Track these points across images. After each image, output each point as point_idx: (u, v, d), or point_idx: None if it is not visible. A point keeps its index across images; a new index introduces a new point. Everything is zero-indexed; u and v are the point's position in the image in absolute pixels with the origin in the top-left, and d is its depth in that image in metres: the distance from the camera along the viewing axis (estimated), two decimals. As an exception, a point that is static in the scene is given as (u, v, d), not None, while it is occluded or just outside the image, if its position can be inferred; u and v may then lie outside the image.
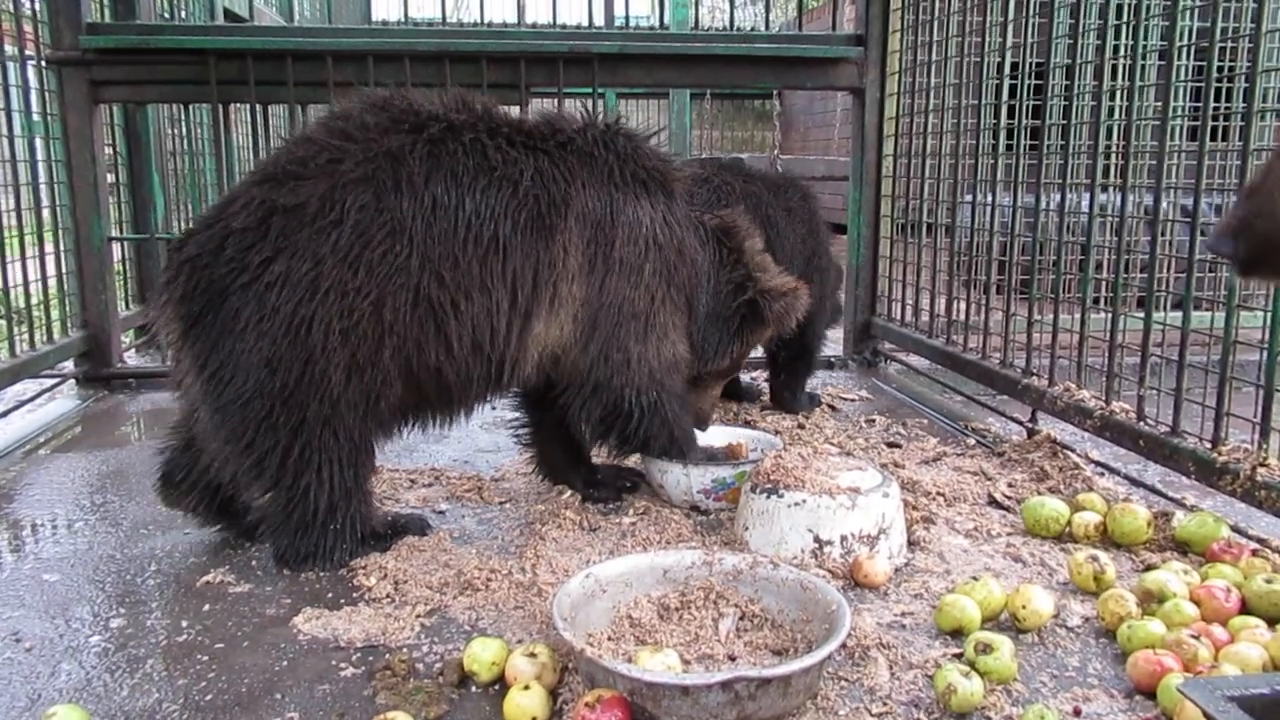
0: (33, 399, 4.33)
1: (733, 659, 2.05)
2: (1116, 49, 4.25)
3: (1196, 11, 3.30)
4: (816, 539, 2.51)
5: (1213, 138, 4.32)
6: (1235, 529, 2.64)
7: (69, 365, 4.59)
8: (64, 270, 4.48)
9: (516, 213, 2.53)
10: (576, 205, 2.63)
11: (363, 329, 2.41)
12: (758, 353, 3.74)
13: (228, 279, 2.38)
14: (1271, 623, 2.10)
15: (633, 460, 3.15)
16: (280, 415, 2.42)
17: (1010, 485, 3.10)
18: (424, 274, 2.43)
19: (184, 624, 2.28)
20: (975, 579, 2.29)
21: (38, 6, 4.30)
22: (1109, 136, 4.43)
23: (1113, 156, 4.55)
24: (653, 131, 2.94)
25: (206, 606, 2.38)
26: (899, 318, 4.87)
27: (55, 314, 4.44)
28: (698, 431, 3.12)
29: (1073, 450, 3.35)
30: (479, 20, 5.49)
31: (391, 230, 2.41)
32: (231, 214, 2.43)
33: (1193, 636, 1.98)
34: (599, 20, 5.53)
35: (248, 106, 4.52)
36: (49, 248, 4.37)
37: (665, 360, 2.81)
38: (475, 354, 2.54)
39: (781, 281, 3.09)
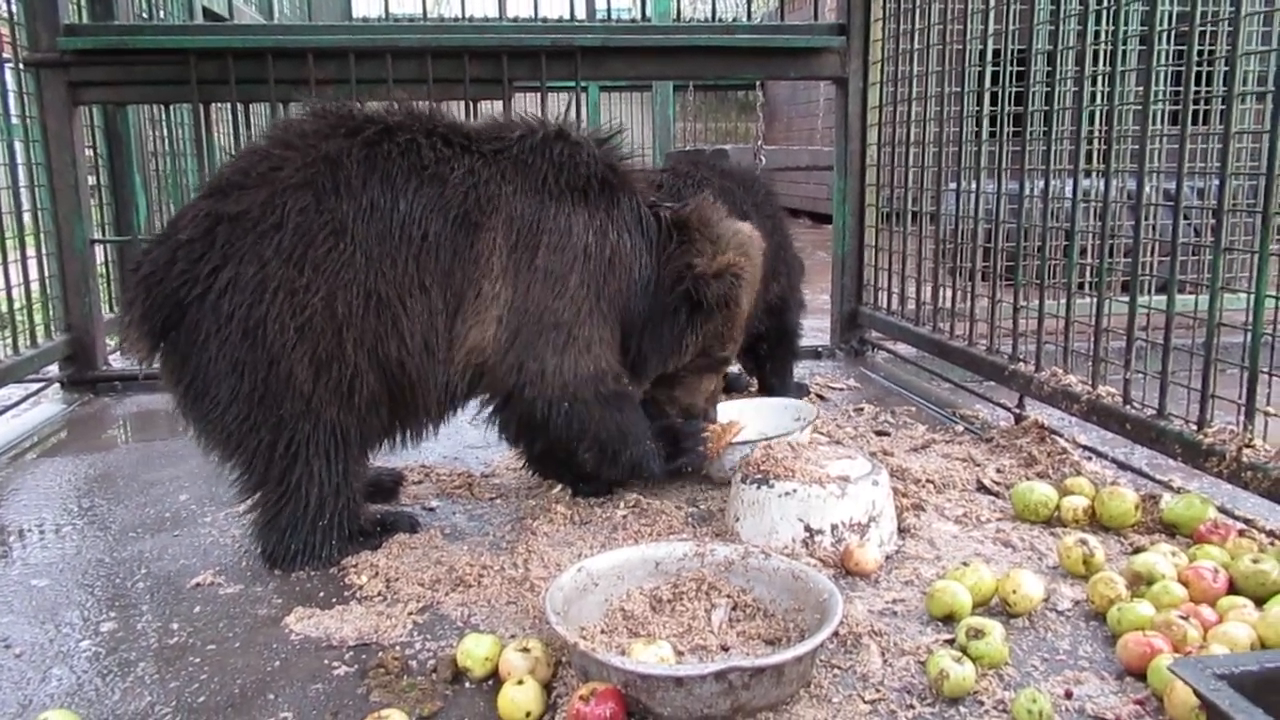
0: (17, 404, 4.29)
1: (726, 649, 2.05)
2: (1097, 34, 4.26)
3: (1176, -4, 3.34)
4: (807, 528, 2.52)
5: (1194, 121, 4.33)
6: (1222, 510, 2.66)
7: (53, 369, 4.56)
8: (46, 274, 4.45)
9: (445, 209, 2.53)
10: (505, 210, 2.60)
11: (318, 324, 2.43)
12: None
13: (181, 292, 2.43)
14: (1259, 602, 2.12)
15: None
16: (258, 416, 2.45)
17: (999, 471, 3.12)
18: (369, 271, 2.46)
19: (175, 626, 2.28)
20: (965, 565, 2.30)
21: (14, 8, 4.26)
22: (1091, 122, 4.44)
23: (1095, 142, 4.56)
24: (607, 134, 2.88)
25: (197, 608, 2.37)
26: (885, 306, 4.88)
27: (38, 318, 4.41)
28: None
29: (1060, 435, 3.37)
30: (460, 15, 5.47)
31: (334, 230, 2.44)
32: (180, 228, 2.48)
33: (1182, 617, 1.99)
34: (581, 14, 5.53)
35: (229, 106, 4.49)
36: (30, 251, 4.34)
37: (582, 374, 2.69)
38: (426, 353, 2.55)
39: (718, 263, 2.85)
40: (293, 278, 2.41)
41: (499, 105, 4.51)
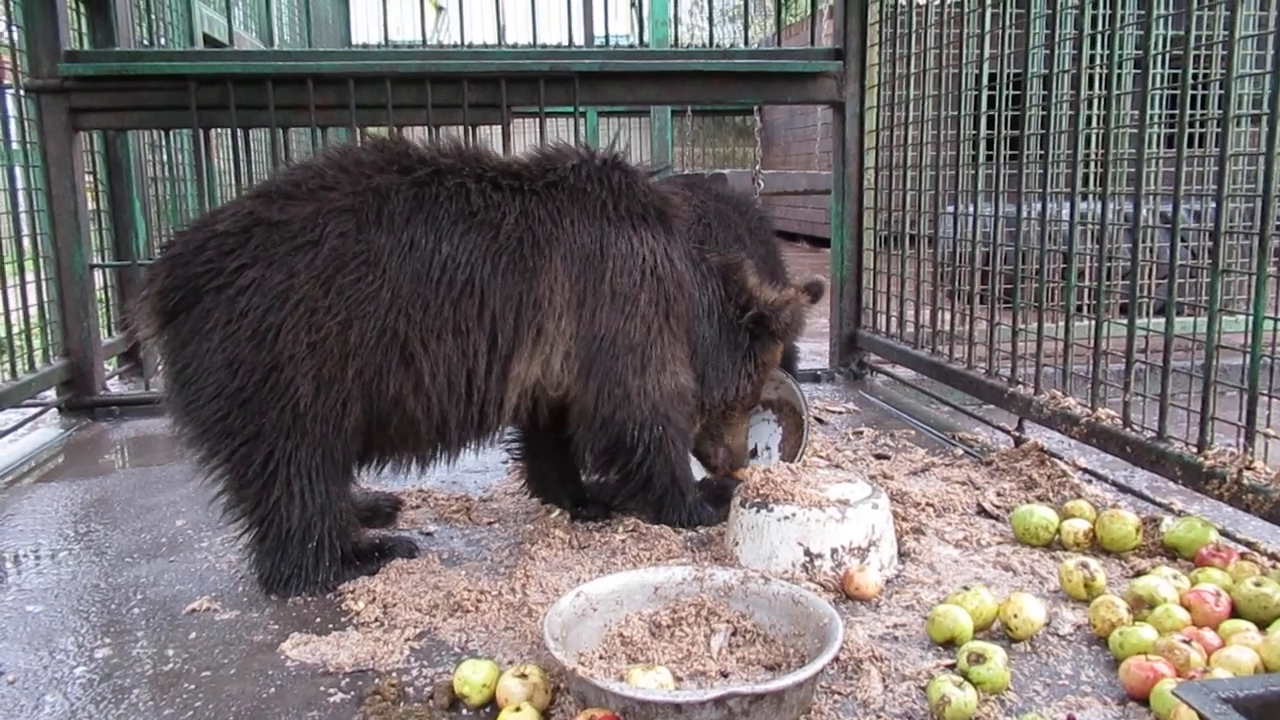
0: (15, 428, 4.28)
1: (725, 675, 2.04)
2: (1093, 58, 4.29)
3: (1170, 20, 3.33)
4: (807, 552, 2.50)
5: (1190, 144, 4.33)
6: (1223, 533, 2.65)
7: (51, 394, 4.56)
8: (45, 298, 4.45)
9: (496, 256, 2.56)
10: (564, 242, 2.64)
11: (329, 345, 2.44)
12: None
13: (203, 279, 2.44)
14: (1262, 625, 2.11)
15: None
16: (236, 419, 2.45)
17: (999, 494, 3.11)
18: (393, 308, 2.47)
19: (170, 653, 2.26)
20: (966, 589, 2.29)
21: (16, 35, 4.29)
22: (1087, 145, 4.45)
23: (1092, 165, 4.58)
24: (656, 168, 2.98)
25: (193, 634, 2.35)
26: (884, 329, 4.89)
27: (37, 342, 4.41)
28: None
29: (1060, 458, 3.36)
30: (459, 41, 5.50)
31: (367, 260, 2.46)
32: (219, 220, 2.51)
33: (1184, 641, 1.98)
34: (579, 40, 5.55)
35: (229, 131, 4.51)
36: (30, 276, 4.35)
37: (667, 391, 2.79)
38: (450, 394, 2.55)
39: (781, 294, 3.05)
40: (316, 296, 2.43)
41: (497, 129, 4.54)
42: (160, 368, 2.60)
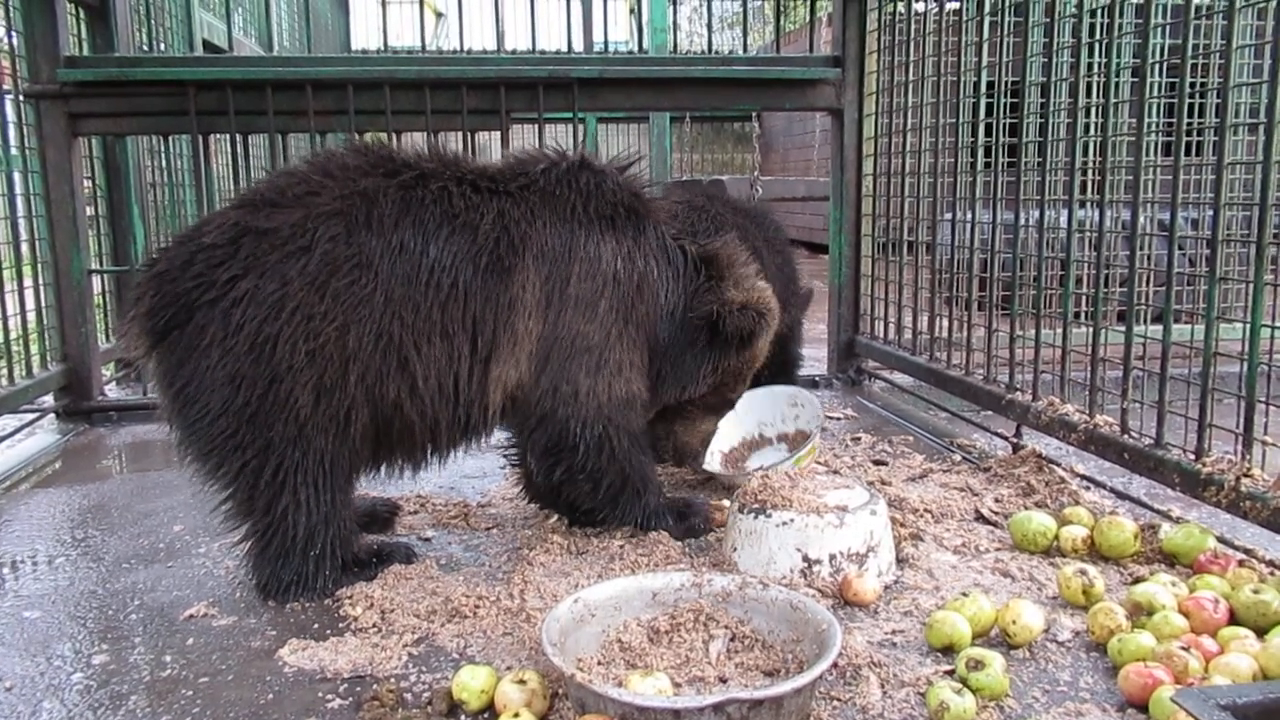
0: (12, 434, 4.28)
1: (724, 681, 2.04)
2: (1090, 67, 4.30)
3: (1168, 29, 3.34)
4: (805, 558, 2.50)
5: (1187, 153, 4.34)
6: (1221, 540, 2.65)
7: (49, 399, 4.56)
8: (43, 304, 4.45)
9: (477, 258, 2.55)
10: (535, 244, 2.63)
11: (328, 352, 2.43)
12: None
13: (194, 294, 2.42)
14: (1260, 633, 2.10)
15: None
16: (246, 434, 2.43)
17: (997, 500, 3.11)
18: (387, 312, 2.46)
19: (168, 659, 2.26)
20: (965, 595, 2.29)
21: (15, 41, 4.29)
22: (1085, 153, 4.46)
23: (1089, 172, 4.59)
24: (628, 161, 2.92)
25: (190, 640, 2.35)
26: (882, 336, 4.89)
27: (35, 348, 4.40)
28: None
29: (1058, 464, 3.36)
30: (459, 47, 5.51)
31: (359, 263, 2.45)
32: (204, 233, 2.49)
33: (1183, 648, 1.98)
34: (578, 46, 5.57)
35: (228, 137, 4.51)
36: (28, 281, 4.35)
37: (616, 397, 2.73)
38: (440, 397, 2.54)
39: (746, 296, 2.92)
40: (312, 302, 2.41)
41: (496, 135, 4.54)
42: (154, 386, 2.56)
